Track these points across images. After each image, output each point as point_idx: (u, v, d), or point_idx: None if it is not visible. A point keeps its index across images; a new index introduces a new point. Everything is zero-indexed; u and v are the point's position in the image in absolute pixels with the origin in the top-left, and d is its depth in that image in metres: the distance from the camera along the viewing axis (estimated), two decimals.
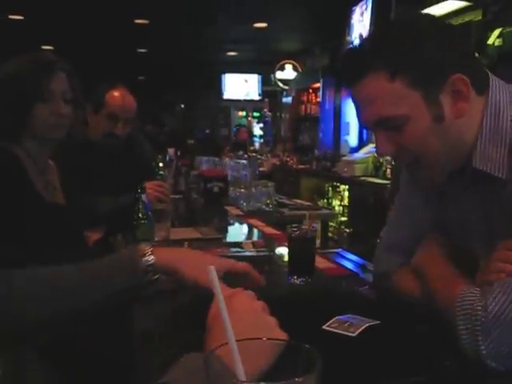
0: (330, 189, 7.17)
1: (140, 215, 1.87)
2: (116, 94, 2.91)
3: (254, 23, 8.69)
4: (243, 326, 0.82)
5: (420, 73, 1.25)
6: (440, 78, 1.25)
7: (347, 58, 1.39)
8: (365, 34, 6.36)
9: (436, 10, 4.97)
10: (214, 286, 0.71)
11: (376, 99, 1.28)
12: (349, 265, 2.14)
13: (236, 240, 2.56)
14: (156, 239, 1.92)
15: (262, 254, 2.16)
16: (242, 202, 3.69)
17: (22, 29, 8.75)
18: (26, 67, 1.93)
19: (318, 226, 3.42)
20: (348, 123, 8.17)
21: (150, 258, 1.19)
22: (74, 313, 1.13)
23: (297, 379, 0.62)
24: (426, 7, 5.07)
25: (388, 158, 5.94)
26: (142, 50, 11.33)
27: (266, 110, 12.18)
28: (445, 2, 4.97)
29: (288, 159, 8.90)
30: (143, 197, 1.94)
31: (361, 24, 6.56)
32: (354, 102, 1.36)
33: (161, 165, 3.28)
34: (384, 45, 1.29)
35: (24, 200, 1.79)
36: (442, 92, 1.25)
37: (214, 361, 0.65)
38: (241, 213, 3.43)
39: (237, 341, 0.66)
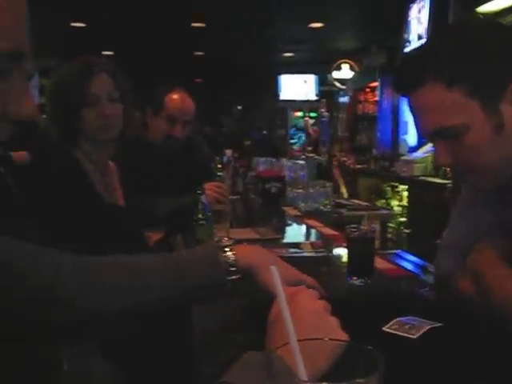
0: (389, 189, 7.08)
1: (199, 216, 1.89)
2: (175, 96, 2.95)
3: (310, 23, 8.66)
4: (305, 327, 0.82)
5: (478, 82, 1.22)
6: (499, 86, 1.22)
7: (403, 67, 1.38)
8: (422, 31, 6.26)
9: (491, 7, 4.85)
10: (276, 287, 0.71)
11: (434, 109, 1.27)
12: (408, 266, 2.11)
13: (294, 241, 2.55)
14: (216, 240, 1.94)
15: (320, 254, 2.15)
16: (299, 202, 3.68)
17: (84, 36, 8.99)
18: (66, 74, 1.97)
19: (376, 226, 3.38)
20: (406, 122, 8.05)
21: (231, 257, 1.15)
22: (144, 308, 1.07)
23: (358, 380, 0.62)
24: (482, 4, 4.95)
25: None
26: (199, 53, 11.45)
27: (322, 110, 12.12)
28: None
29: (345, 159, 8.84)
30: (202, 198, 1.96)
31: (418, 21, 6.45)
32: (412, 110, 1.35)
33: (219, 166, 3.31)
34: (440, 53, 1.27)
35: (84, 201, 1.83)
36: (501, 101, 1.22)
37: (275, 360, 0.65)
38: (298, 213, 3.43)
39: (298, 341, 0.66)
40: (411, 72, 1.31)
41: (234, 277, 1.15)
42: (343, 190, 6.32)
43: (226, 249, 1.16)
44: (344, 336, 0.86)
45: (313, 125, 12.98)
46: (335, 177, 6.79)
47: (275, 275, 0.71)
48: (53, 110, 1.98)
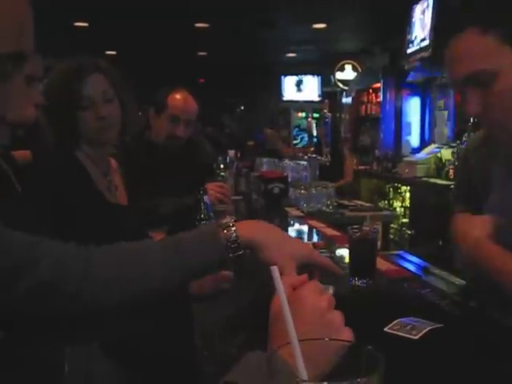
0: (391, 190, 7.08)
1: (202, 216, 1.90)
2: (177, 96, 2.95)
3: (313, 24, 8.66)
4: (307, 326, 0.81)
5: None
6: None
7: (443, 16, 1.43)
8: (426, 32, 6.25)
9: None
10: (276, 285, 0.71)
11: (467, 54, 1.31)
12: (410, 267, 2.11)
13: None
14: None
15: (322, 255, 2.15)
16: (302, 203, 3.68)
17: (87, 36, 9.00)
18: (56, 78, 1.93)
19: (379, 227, 3.38)
20: (409, 123, 8.05)
21: (232, 232, 1.10)
22: (150, 293, 1.05)
23: (359, 380, 0.62)
24: None
25: (451, 158, 5.82)
26: (203, 53, 11.46)
27: (325, 110, 12.11)
28: None
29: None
30: (205, 198, 1.96)
31: (422, 22, 6.44)
32: (447, 61, 1.38)
33: (222, 166, 3.31)
34: (476, 0, 1.31)
35: (86, 200, 1.83)
36: None
37: (276, 360, 0.65)
38: (301, 214, 3.43)
39: (299, 341, 0.66)
40: (450, 20, 1.36)
41: (237, 253, 1.10)
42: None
43: (230, 225, 1.12)
44: (348, 333, 0.84)
45: (317, 126, 13.00)
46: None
47: (275, 275, 0.71)
48: (48, 114, 1.95)
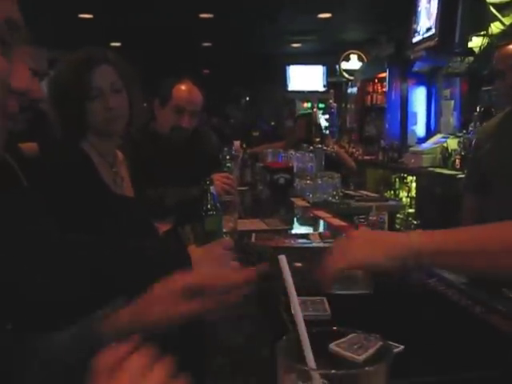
0: (397, 180, 7.07)
1: (208, 207, 1.90)
2: (182, 87, 2.95)
3: (319, 14, 8.62)
4: None
5: None
6: None
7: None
8: (432, 21, 6.21)
9: None
10: (284, 274, 0.71)
11: None
12: None
13: (302, 231, 2.56)
14: (224, 230, 1.94)
15: (328, 245, 2.16)
16: (307, 193, 3.68)
17: (92, 27, 8.99)
18: (66, 69, 1.94)
19: (385, 217, 3.37)
20: (415, 113, 8.02)
21: None
22: None
23: (367, 368, 0.63)
24: None
25: (457, 148, 5.80)
26: (207, 44, 11.43)
27: (331, 100, 12.08)
28: None
29: (354, 150, 8.82)
30: (211, 188, 1.96)
31: (428, 12, 6.40)
32: None
33: (227, 157, 3.31)
34: None
35: (92, 192, 1.83)
36: None
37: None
38: (307, 204, 3.43)
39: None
40: None
41: None
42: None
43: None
44: None
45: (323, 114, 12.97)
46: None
47: (283, 263, 0.72)
48: (56, 105, 1.96)
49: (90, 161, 1.90)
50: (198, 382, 0.91)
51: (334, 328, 0.73)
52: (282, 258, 0.72)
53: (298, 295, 0.69)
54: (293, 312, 0.67)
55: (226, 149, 3.78)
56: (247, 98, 14.57)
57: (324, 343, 0.70)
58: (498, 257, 1.10)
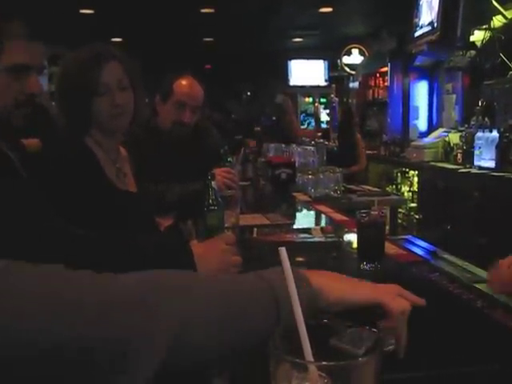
0: (399, 174, 7.06)
1: (210, 201, 1.89)
2: (183, 82, 2.94)
3: (320, 8, 8.60)
4: None
5: None
6: None
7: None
8: (433, 16, 6.20)
9: None
10: (284, 266, 0.71)
11: None
12: (419, 251, 2.11)
13: (304, 226, 2.56)
14: (226, 225, 1.94)
15: (330, 240, 2.16)
16: (309, 188, 3.68)
17: (93, 23, 8.98)
18: (75, 64, 1.93)
19: (387, 212, 3.37)
20: (417, 107, 8.00)
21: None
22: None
23: (360, 359, 0.63)
24: None
25: (459, 142, 5.79)
26: (209, 39, 11.42)
27: (332, 95, 12.07)
28: None
29: None
30: (213, 183, 1.96)
31: (429, 6, 6.38)
32: None
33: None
34: None
35: (96, 187, 1.84)
36: None
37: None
38: (309, 199, 3.43)
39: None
40: None
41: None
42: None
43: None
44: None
45: (325, 109, 12.97)
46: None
47: (283, 255, 0.72)
48: (62, 100, 1.96)
49: (94, 156, 1.90)
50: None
51: (334, 322, 0.73)
52: (282, 250, 0.72)
53: None
54: (292, 307, 0.67)
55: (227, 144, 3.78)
56: (248, 93, 14.57)
57: (324, 337, 0.70)
58: None
